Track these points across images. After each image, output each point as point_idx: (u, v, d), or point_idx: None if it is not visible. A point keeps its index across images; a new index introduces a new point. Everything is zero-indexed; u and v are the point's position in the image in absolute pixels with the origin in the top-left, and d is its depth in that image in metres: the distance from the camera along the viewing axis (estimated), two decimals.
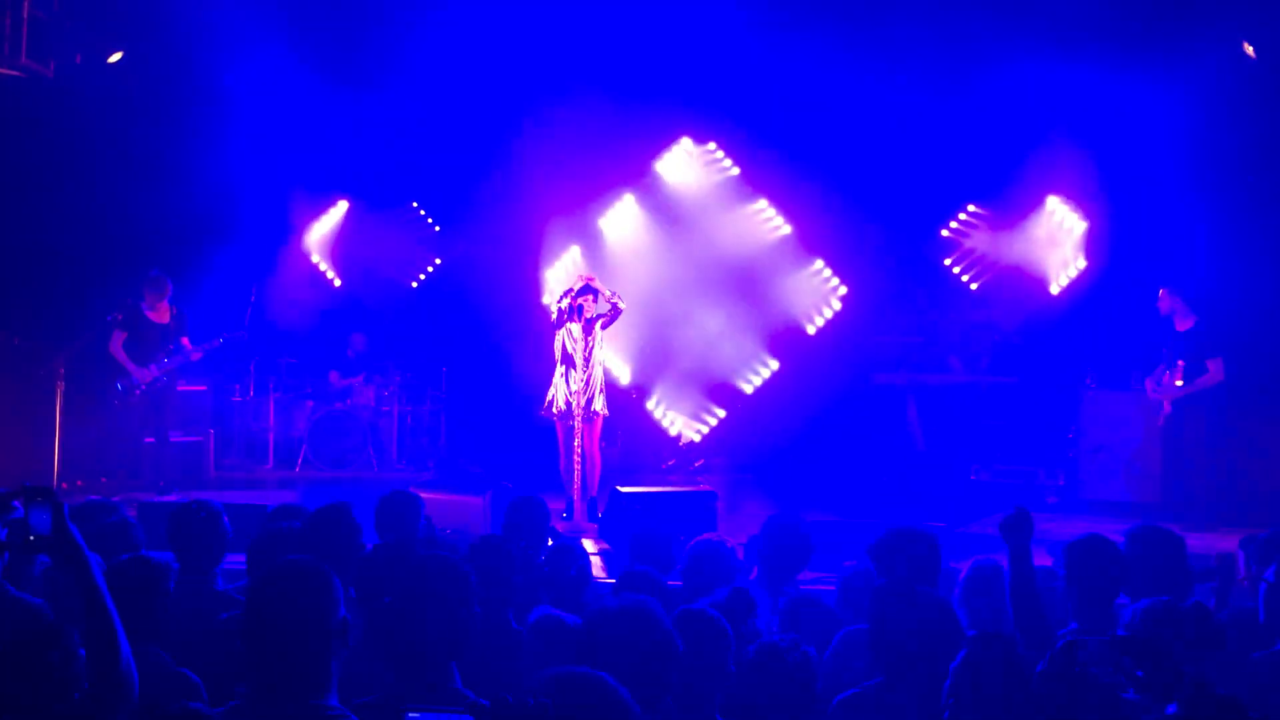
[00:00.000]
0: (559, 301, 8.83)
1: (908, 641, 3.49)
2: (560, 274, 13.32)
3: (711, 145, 13.53)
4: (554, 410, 8.83)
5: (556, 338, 8.81)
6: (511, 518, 5.17)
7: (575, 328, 8.78)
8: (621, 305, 8.85)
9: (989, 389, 11.09)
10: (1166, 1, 10.91)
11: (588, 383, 8.80)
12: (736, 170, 13.44)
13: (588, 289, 8.82)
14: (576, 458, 8.81)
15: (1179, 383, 9.37)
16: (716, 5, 12.13)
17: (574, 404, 8.76)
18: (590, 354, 8.80)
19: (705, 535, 5.05)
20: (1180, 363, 9.31)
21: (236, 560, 4.82)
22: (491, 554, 4.15)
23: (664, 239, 13.40)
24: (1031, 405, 11.07)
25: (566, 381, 8.75)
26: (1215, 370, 9.24)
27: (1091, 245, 12.43)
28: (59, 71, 11.09)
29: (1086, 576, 3.88)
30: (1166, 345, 9.51)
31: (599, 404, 8.89)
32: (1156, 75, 10.92)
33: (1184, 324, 9.41)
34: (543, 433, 12.32)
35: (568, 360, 8.76)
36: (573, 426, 8.82)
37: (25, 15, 10.48)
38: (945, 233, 12.98)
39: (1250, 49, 10.56)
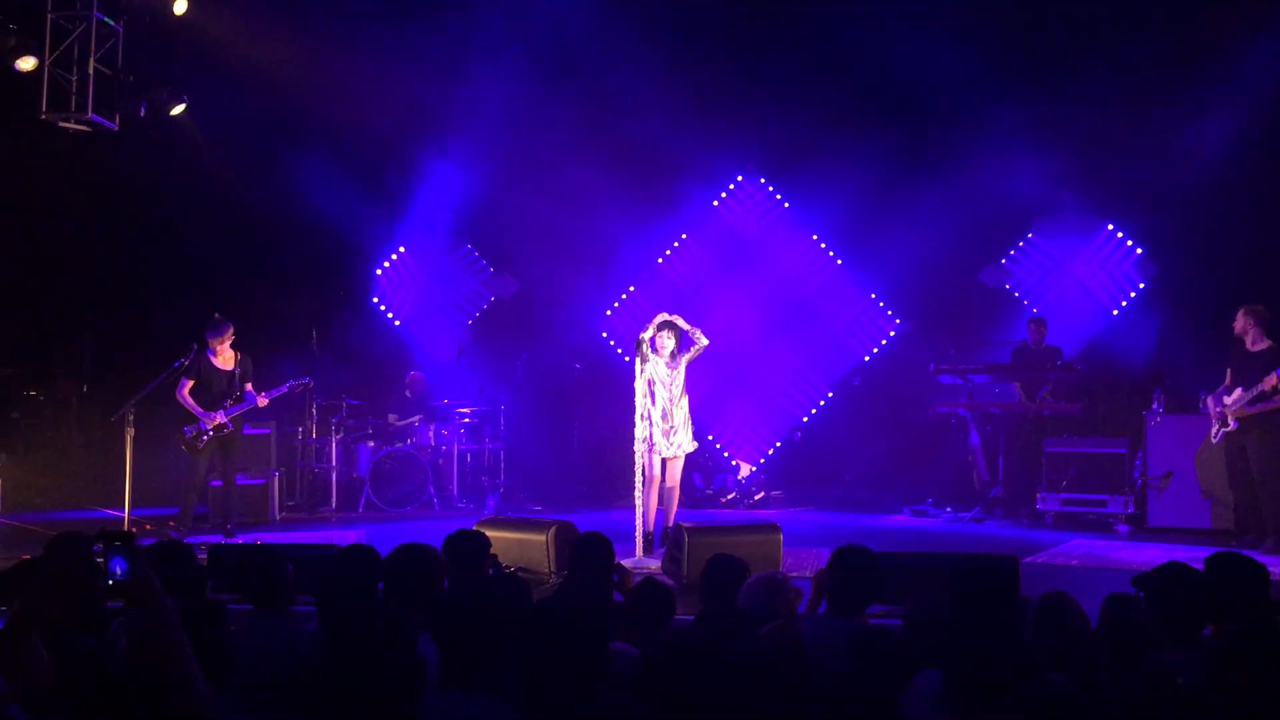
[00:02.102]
0: (639, 338, 8.74)
1: (980, 676, 3.41)
2: (624, 315, 13.44)
3: (761, 180, 13.58)
4: (648, 446, 8.71)
5: (640, 376, 8.69)
6: (577, 555, 5.14)
7: (661, 364, 8.71)
8: (703, 340, 8.76)
9: (1052, 416, 10.90)
10: (1217, 32, 10.84)
11: (675, 418, 8.73)
12: (787, 205, 13.47)
13: (667, 325, 8.76)
14: (655, 493, 8.73)
15: (1234, 400, 9.16)
16: (762, 48, 12.26)
17: (660, 440, 8.69)
18: (676, 390, 8.74)
19: (763, 571, 4.97)
20: (1267, 379, 9.00)
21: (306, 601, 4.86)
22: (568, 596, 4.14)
23: (720, 275, 13.45)
24: (1097, 432, 10.88)
25: (653, 417, 8.67)
26: None
27: (1149, 268, 12.31)
28: (124, 124, 11.36)
29: (1170, 605, 3.78)
30: (1233, 366, 9.29)
31: (687, 439, 8.82)
32: (1206, 99, 10.84)
33: (1257, 345, 9.19)
34: (602, 469, 12.42)
35: (653, 396, 8.68)
36: (659, 461, 8.74)
37: (91, 71, 10.77)
38: (1004, 260, 12.90)
39: None
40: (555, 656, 2.95)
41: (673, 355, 8.73)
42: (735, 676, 3.00)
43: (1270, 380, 8.95)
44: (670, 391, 8.70)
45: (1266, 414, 9.04)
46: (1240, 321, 9.25)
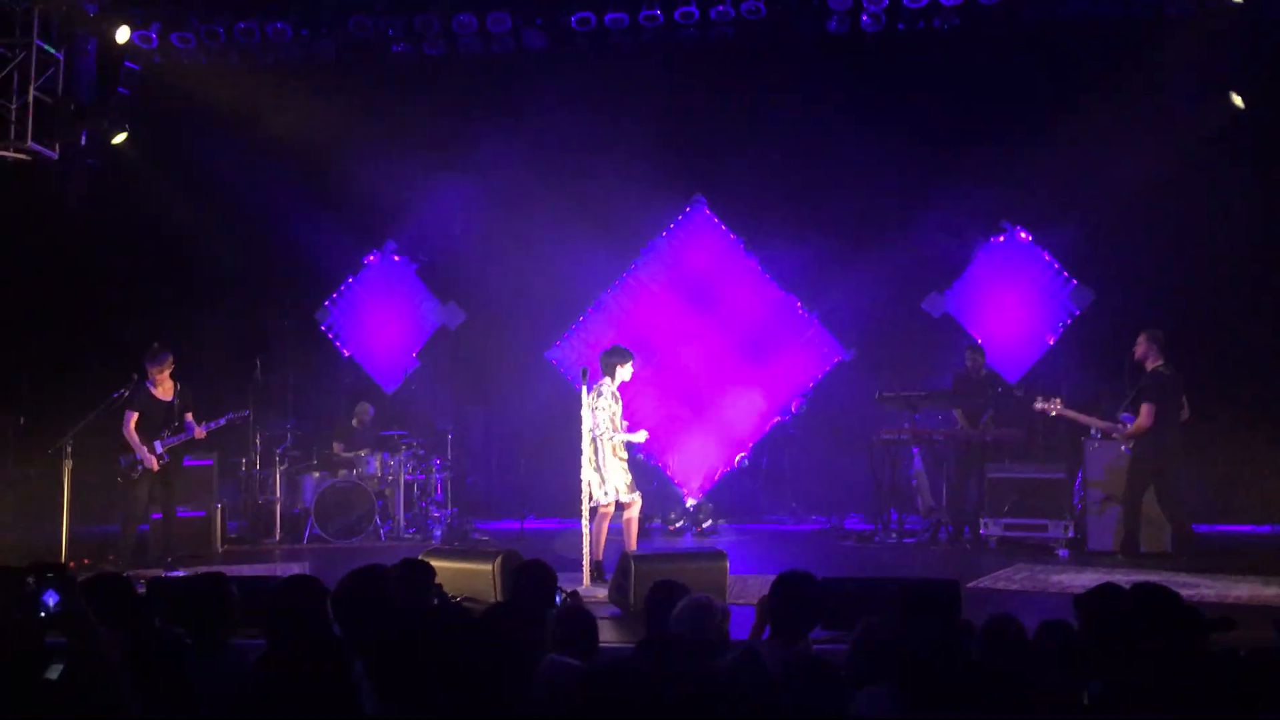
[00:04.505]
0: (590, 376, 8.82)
1: (933, 700, 3.46)
2: (574, 344, 13.49)
3: (710, 213, 13.70)
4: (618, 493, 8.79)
5: (602, 409, 8.76)
6: (518, 582, 5.15)
7: (608, 398, 8.79)
8: (619, 366, 8.86)
9: (994, 442, 11.07)
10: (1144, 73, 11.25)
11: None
12: (734, 237, 13.60)
13: (614, 356, 8.90)
14: (604, 523, 8.79)
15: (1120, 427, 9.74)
16: (712, 88, 12.44)
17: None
18: (618, 424, 8.82)
19: (690, 595, 4.96)
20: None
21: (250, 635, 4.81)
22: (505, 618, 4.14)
23: (670, 306, 13.53)
24: (1037, 457, 11.06)
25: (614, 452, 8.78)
26: (1144, 416, 9.53)
27: (1084, 297, 12.61)
28: (64, 152, 11.25)
29: (1101, 628, 3.83)
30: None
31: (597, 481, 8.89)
32: (1136, 138, 11.25)
33: (1151, 368, 9.64)
34: (550, 498, 12.43)
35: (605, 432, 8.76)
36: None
37: (31, 100, 10.67)
38: (946, 290, 13.12)
39: (1238, 99, 10.76)
40: (469, 669, 2.96)
41: (616, 390, 8.84)
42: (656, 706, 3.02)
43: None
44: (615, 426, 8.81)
45: (1137, 435, 9.59)
46: (1142, 345, 9.70)
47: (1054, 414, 10.01)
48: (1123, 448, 9.79)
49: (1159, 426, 9.53)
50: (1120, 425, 9.75)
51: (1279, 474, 11.28)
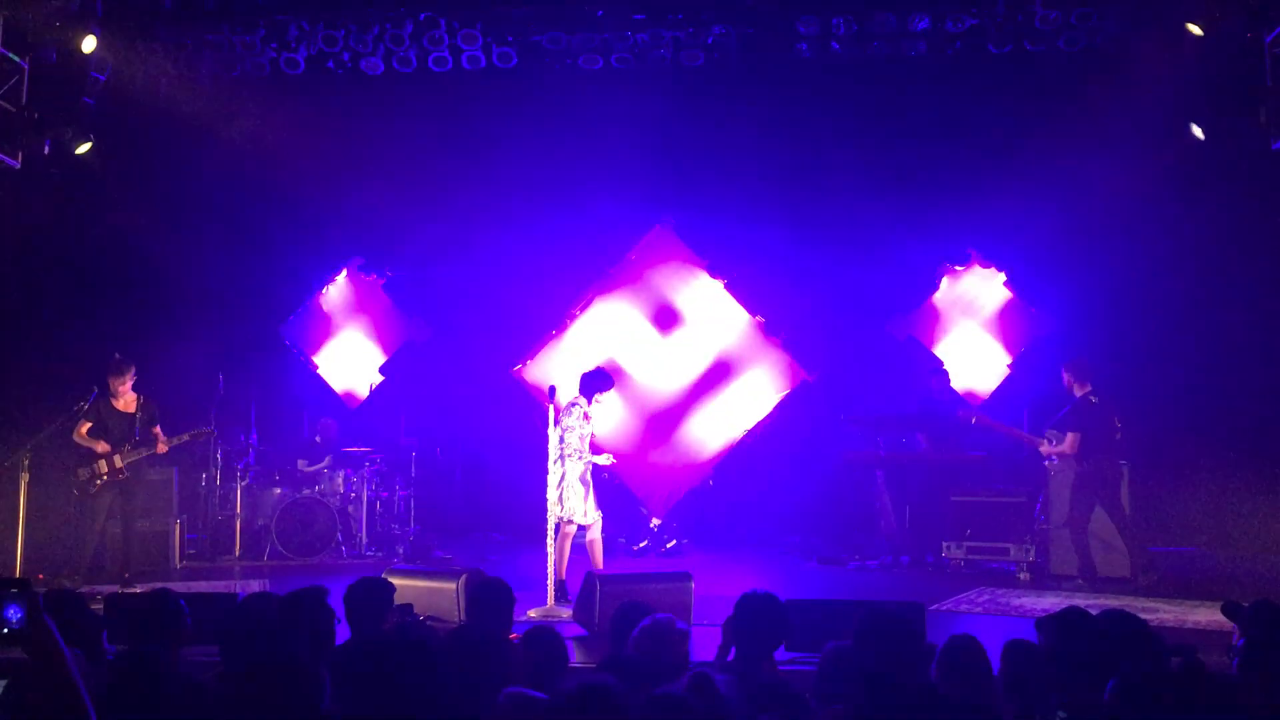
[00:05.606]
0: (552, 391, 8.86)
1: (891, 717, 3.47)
2: (539, 362, 13.47)
3: (676, 233, 13.73)
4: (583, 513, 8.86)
5: (573, 428, 8.80)
6: (477, 602, 5.11)
7: (579, 418, 8.84)
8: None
9: (957, 464, 11.14)
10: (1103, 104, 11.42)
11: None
12: (700, 257, 13.62)
13: (597, 380, 8.98)
14: (568, 542, 8.83)
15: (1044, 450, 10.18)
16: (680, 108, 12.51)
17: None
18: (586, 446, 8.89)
19: (649, 618, 4.95)
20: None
21: (200, 651, 4.75)
22: (465, 642, 4.11)
23: (634, 326, 13.52)
24: (999, 480, 11.15)
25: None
26: (1069, 443, 9.87)
27: (1044, 322, 12.76)
28: (26, 162, 11.09)
29: (1067, 652, 3.86)
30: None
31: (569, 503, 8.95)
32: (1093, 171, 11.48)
33: (1080, 394, 9.96)
34: (515, 517, 12.37)
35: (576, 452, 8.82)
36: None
37: None
38: (911, 312, 13.21)
39: (1199, 130, 10.90)
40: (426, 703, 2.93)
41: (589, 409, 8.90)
42: None
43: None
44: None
45: (1062, 456, 10.03)
46: (1065, 377, 10.09)
47: (974, 422, 10.64)
48: (1050, 459, 10.19)
49: (1086, 453, 9.79)
50: (1046, 440, 10.01)
51: (1239, 501, 11.40)
